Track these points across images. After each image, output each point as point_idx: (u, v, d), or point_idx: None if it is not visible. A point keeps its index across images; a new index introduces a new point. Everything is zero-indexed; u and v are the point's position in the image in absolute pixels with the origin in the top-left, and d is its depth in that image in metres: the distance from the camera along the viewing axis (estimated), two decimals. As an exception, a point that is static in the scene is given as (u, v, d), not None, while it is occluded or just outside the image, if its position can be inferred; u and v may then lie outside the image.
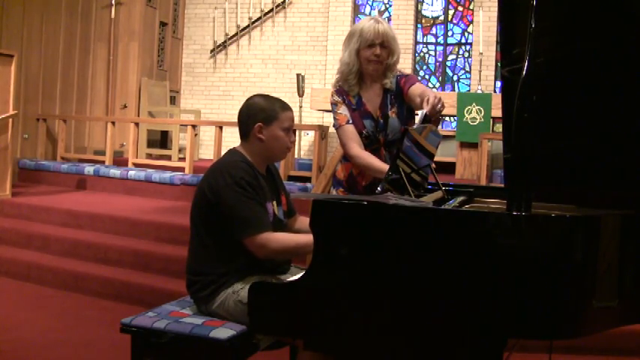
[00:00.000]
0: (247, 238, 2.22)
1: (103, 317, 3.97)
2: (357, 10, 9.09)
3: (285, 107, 2.41)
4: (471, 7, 8.73)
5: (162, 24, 9.20)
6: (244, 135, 2.40)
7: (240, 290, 2.25)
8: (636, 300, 1.86)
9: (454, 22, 8.93)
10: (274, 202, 2.42)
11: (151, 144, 8.42)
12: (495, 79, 8.28)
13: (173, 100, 9.38)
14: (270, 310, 1.92)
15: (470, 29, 8.78)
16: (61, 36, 7.83)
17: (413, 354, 1.77)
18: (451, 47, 8.94)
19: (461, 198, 2.49)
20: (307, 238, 2.27)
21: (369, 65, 2.73)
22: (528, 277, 1.67)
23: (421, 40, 8.99)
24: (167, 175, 6.39)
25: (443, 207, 2.08)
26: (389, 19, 8.88)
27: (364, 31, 2.68)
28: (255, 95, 2.46)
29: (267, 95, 2.46)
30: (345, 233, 1.81)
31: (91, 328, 3.76)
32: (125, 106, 8.50)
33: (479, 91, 7.64)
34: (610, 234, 1.78)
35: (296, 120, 4.26)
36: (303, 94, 7.76)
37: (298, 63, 9.12)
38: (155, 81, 8.82)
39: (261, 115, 2.35)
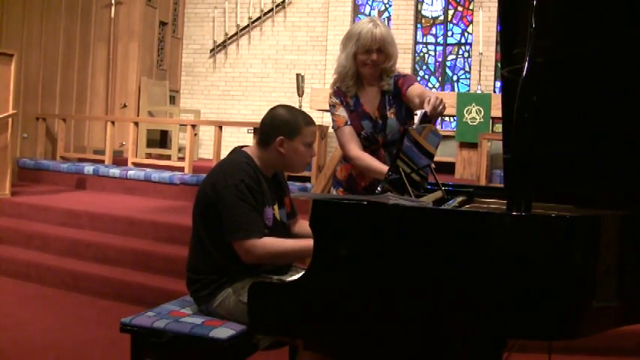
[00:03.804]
0: (235, 242, 2.23)
1: (102, 317, 3.97)
2: (356, 10, 9.09)
3: (309, 122, 2.39)
4: (471, 8, 8.73)
5: (162, 23, 9.20)
6: (264, 144, 2.38)
7: (240, 290, 2.25)
8: (636, 300, 1.86)
9: (454, 22, 8.93)
10: (275, 206, 2.41)
11: (150, 144, 8.41)
12: (495, 80, 8.28)
13: (173, 100, 9.38)
14: (270, 310, 1.92)
15: (470, 29, 8.79)
16: (60, 35, 7.83)
17: (413, 354, 1.77)
18: (451, 47, 8.94)
19: (460, 198, 2.49)
20: (297, 245, 2.27)
21: (364, 69, 2.73)
22: (528, 277, 1.67)
23: (421, 40, 8.99)
24: (166, 174, 6.38)
25: (443, 207, 2.08)
26: (388, 19, 8.89)
27: (361, 37, 2.67)
28: (280, 106, 2.44)
29: (293, 107, 2.44)
30: (345, 233, 1.81)
31: (91, 328, 3.76)
32: (125, 106, 8.50)
33: (478, 92, 7.64)
34: (610, 234, 1.78)
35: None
36: (302, 94, 7.76)
37: (298, 63, 9.12)
38: (155, 80, 8.82)
39: (284, 129, 2.34)
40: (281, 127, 2.34)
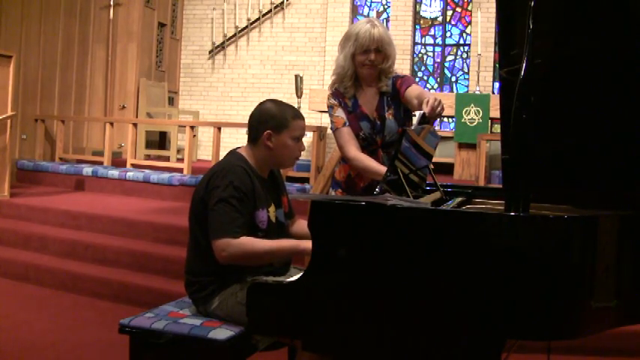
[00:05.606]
0: (212, 241, 2.22)
1: (101, 318, 3.97)
2: (355, 11, 9.09)
3: (297, 115, 2.38)
4: (469, 8, 8.73)
5: (161, 25, 9.20)
6: (253, 139, 2.38)
7: (238, 291, 2.25)
8: (634, 300, 1.87)
9: (452, 23, 8.93)
10: (271, 208, 2.40)
11: (149, 145, 8.40)
12: (493, 80, 8.29)
13: (171, 101, 9.38)
14: (269, 311, 1.92)
15: (468, 30, 8.79)
16: (59, 37, 7.82)
17: (411, 354, 1.77)
18: (449, 48, 8.94)
19: (459, 199, 2.49)
20: (276, 245, 2.23)
21: (362, 69, 2.74)
22: (527, 277, 1.67)
23: (419, 41, 8.99)
24: (165, 175, 6.38)
25: (441, 208, 2.08)
26: (387, 20, 8.89)
27: (360, 36, 2.67)
28: (267, 100, 2.42)
29: (280, 101, 2.42)
30: (344, 234, 1.81)
31: (89, 329, 3.76)
32: (123, 107, 8.50)
33: (477, 92, 7.64)
34: (608, 234, 1.78)
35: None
36: (301, 95, 7.76)
37: (296, 64, 9.12)
38: (153, 82, 8.82)
39: (272, 123, 2.32)
40: (268, 121, 2.33)
